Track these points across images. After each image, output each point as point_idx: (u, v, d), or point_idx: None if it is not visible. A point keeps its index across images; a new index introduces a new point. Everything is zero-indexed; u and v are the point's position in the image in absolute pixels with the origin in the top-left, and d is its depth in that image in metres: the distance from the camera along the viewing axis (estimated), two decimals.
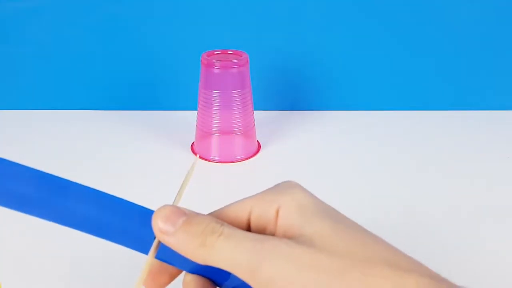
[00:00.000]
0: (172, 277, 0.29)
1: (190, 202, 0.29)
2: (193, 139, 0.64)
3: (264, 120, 0.70)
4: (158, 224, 0.25)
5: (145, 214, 0.27)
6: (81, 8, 0.69)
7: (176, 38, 0.71)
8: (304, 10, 0.69)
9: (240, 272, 0.24)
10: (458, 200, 0.52)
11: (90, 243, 0.45)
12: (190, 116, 0.65)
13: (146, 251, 0.26)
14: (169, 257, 0.27)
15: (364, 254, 0.23)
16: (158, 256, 0.27)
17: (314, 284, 0.22)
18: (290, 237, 0.24)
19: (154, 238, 0.26)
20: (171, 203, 0.27)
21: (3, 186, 0.26)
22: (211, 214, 0.27)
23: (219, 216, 0.27)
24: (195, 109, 0.62)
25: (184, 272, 0.28)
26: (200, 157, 0.61)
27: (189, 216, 0.25)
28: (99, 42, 0.71)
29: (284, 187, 0.27)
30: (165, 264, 0.28)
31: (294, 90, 0.74)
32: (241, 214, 0.27)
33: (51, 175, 0.27)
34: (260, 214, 0.26)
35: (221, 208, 0.28)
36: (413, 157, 0.62)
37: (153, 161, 0.60)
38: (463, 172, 0.58)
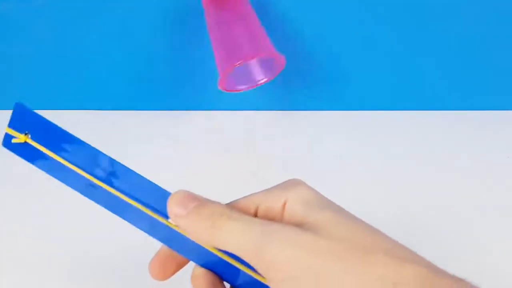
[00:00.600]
0: (179, 266, 0.29)
1: None
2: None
3: (263, 120, 0.70)
4: (172, 207, 0.27)
5: (164, 196, 0.28)
6: (81, 9, 0.69)
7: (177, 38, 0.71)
8: (304, 10, 0.69)
9: (245, 253, 0.25)
10: (458, 200, 0.53)
11: (88, 245, 0.45)
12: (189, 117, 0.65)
13: (153, 233, 0.28)
14: (181, 247, 0.28)
15: (364, 242, 0.24)
16: (171, 245, 0.28)
17: (316, 268, 0.23)
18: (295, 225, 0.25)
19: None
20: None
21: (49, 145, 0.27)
22: None
23: None
24: (194, 109, 0.62)
25: (193, 266, 0.29)
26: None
27: (201, 201, 0.27)
28: (100, 42, 0.71)
29: (290, 184, 0.28)
30: (173, 253, 0.29)
31: (294, 90, 0.74)
32: (249, 208, 0.28)
33: (86, 143, 0.29)
34: (267, 208, 0.27)
35: (229, 202, 0.29)
36: (413, 157, 0.62)
37: (154, 161, 0.61)
38: (463, 172, 0.58)
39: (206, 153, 0.62)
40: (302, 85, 0.74)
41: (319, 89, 0.74)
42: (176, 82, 0.73)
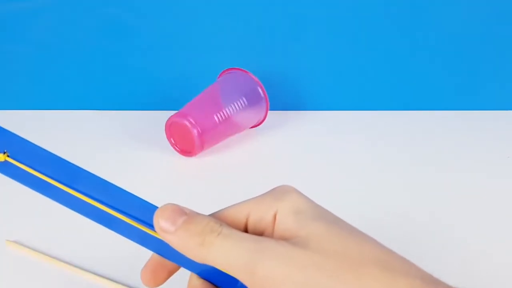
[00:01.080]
0: (171, 273, 0.29)
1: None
2: None
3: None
4: (160, 222, 0.26)
5: (149, 209, 0.27)
6: (82, 9, 0.69)
7: (173, 41, 0.71)
8: (300, 11, 0.69)
9: (236, 271, 0.24)
10: (457, 200, 0.53)
11: (89, 244, 0.45)
12: None
13: (145, 244, 0.27)
14: (175, 257, 0.27)
15: (357, 256, 0.23)
16: (165, 256, 0.27)
17: (308, 284, 0.22)
18: (286, 240, 0.25)
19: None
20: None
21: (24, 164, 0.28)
22: (210, 215, 0.27)
23: (217, 218, 0.27)
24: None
25: (189, 274, 0.28)
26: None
27: (189, 215, 0.26)
28: (99, 43, 0.71)
29: (281, 192, 0.27)
30: (164, 260, 0.28)
31: (292, 91, 0.74)
32: (239, 217, 0.27)
33: (65, 160, 0.28)
34: (258, 218, 0.27)
35: (219, 210, 0.28)
36: (413, 157, 0.62)
37: (147, 162, 0.61)
38: (463, 172, 0.58)
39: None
40: (300, 85, 0.74)
41: (318, 89, 0.74)
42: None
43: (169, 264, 0.28)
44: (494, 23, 0.70)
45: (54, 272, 0.42)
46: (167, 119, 0.60)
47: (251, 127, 0.68)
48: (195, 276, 0.28)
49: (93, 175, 0.28)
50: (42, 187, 0.28)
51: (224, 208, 0.28)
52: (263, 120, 0.67)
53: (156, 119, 0.70)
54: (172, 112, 0.60)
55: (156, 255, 0.28)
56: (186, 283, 0.28)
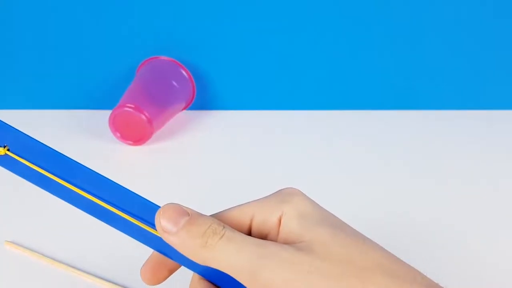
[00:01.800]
0: (171, 271, 0.29)
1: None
2: None
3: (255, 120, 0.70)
4: (161, 223, 0.25)
5: (150, 208, 0.27)
6: (81, 10, 0.69)
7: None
8: (302, 8, 0.69)
9: (239, 275, 0.24)
10: (457, 200, 0.52)
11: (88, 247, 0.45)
12: None
13: (145, 242, 0.27)
14: (177, 256, 0.27)
15: (362, 262, 0.23)
16: (166, 254, 0.27)
17: None
18: (290, 244, 0.24)
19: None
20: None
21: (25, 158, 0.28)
22: (212, 216, 0.27)
23: (220, 219, 0.27)
24: None
25: (190, 274, 0.28)
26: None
27: (192, 216, 0.26)
28: (97, 41, 0.71)
29: (286, 195, 0.27)
30: (164, 258, 0.28)
31: (289, 90, 0.74)
32: (243, 219, 0.27)
33: (65, 156, 0.28)
34: (262, 220, 0.27)
35: (223, 211, 0.28)
36: (412, 157, 0.62)
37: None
38: (463, 172, 0.58)
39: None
40: (300, 84, 0.74)
41: (317, 88, 0.74)
42: None
43: (169, 262, 0.28)
44: (494, 22, 0.70)
45: (52, 273, 0.42)
46: (107, 116, 0.61)
47: (182, 109, 0.70)
48: (197, 277, 0.28)
49: (94, 171, 0.28)
50: (42, 181, 0.28)
51: (228, 209, 0.28)
52: (191, 101, 0.70)
53: (92, 117, 0.69)
54: (107, 111, 0.61)
55: (156, 253, 0.28)
56: (187, 283, 0.28)
